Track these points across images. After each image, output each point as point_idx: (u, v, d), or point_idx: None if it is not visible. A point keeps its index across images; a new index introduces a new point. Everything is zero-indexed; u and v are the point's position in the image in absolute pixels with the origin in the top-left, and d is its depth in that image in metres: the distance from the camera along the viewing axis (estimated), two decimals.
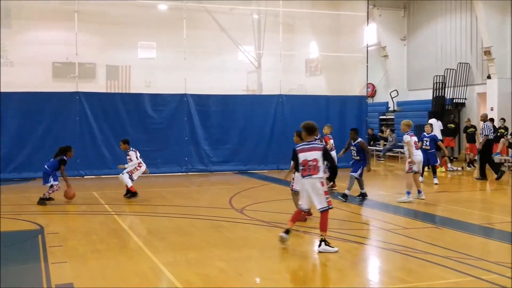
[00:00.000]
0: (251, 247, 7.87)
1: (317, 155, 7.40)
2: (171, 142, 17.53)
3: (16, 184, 14.75)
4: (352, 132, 12.26)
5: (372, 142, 24.32)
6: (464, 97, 22.55)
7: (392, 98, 25.08)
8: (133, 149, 12.38)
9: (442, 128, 18.72)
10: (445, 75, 22.45)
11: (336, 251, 7.27)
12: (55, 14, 17.10)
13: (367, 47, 20.63)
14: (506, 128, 19.15)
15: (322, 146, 7.63)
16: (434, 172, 15.45)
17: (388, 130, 23.74)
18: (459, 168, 18.88)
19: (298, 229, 8.97)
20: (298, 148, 7.59)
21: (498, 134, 18.86)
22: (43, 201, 11.32)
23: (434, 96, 22.54)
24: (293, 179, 9.21)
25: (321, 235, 7.40)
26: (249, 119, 18.45)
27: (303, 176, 7.47)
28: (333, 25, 20.54)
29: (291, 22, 20.89)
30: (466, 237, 8.43)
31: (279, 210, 10.52)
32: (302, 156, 7.47)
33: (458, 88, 22.38)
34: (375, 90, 27.97)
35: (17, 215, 10.16)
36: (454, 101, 22.53)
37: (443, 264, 6.72)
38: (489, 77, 20.76)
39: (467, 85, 22.33)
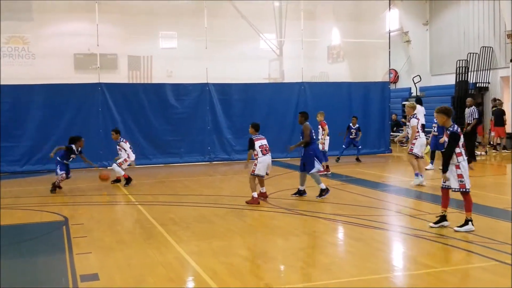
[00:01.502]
0: (275, 234, 7.94)
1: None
2: (193, 132, 17.65)
3: (41, 175, 15.05)
4: (299, 115, 11.22)
5: (395, 128, 24.16)
6: (487, 81, 22.19)
7: (415, 83, 24.79)
8: (124, 140, 12.97)
9: (425, 113, 18.55)
10: (468, 59, 22.10)
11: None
12: (76, 5, 17.24)
13: (389, 33, 20.42)
14: None
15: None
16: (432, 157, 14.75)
17: None
18: (483, 153, 18.63)
19: (320, 216, 9.02)
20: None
21: None
22: (53, 188, 11.89)
23: (457, 80, 22.23)
24: (255, 164, 10.22)
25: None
26: (271, 108, 18.45)
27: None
28: (355, 11, 20.35)
29: (312, 8, 20.75)
30: (490, 222, 8.37)
31: (302, 198, 10.57)
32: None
33: (481, 72, 22.03)
34: (398, 76, 27.68)
35: (43, 206, 10.37)
36: (477, 85, 22.18)
37: (467, 249, 6.71)
38: None
39: (490, 69, 21.96)
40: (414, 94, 25.37)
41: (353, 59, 21.26)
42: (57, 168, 11.98)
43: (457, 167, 7.60)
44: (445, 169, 7.62)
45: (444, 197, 7.87)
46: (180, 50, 19.14)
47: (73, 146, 12.13)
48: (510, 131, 20.48)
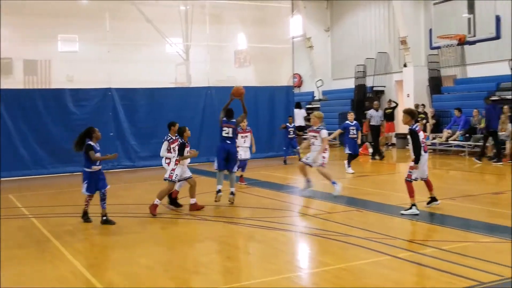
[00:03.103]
0: (179, 242, 7.89)
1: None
2: None
3: None
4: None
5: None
6: (383, 85, 23.49)
7: (317, 87, 25.73)
8: None
9: (305, 115, 19.41)
10: (366, 64, 23.27)
11: None
12: None
13: (293, 38, 21.01)
14: (425, 113, 20.12)
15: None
16: (350, 161, 14.79)
17: None
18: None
19: (225, 220, 9.09)
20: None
21: (419, 119, 19.90)
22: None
23: (356, 84, 23.34)
24: (174, 169, 9.67)
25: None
26: (178, 112, 18.23)
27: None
28: (260, 17, 20.74)
29: (218, 13, 20.89)
30: (385, 218, 8.84)
31: (207, 203, 10.57)
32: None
33: (378, 76, 23.29)
34: (302, 80, 28.55)
35: None
36: (374, 88, 23.42)
37: (363, 245, 7.03)
38: (405, 65, 21.72)
39: (386, 73, 23.29)
40: (317, 97, 26.33)
41: (259, 63, 21.63)
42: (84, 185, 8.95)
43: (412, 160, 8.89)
44: (417, 160, 8.89)
45: (426, 184, 9.18)
46: (81, 53, 18.50)
47: (91, 142, 8.94)
48: (401, 132, 21.79)
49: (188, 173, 9.99)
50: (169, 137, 10.34)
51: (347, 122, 14.94)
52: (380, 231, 7.81)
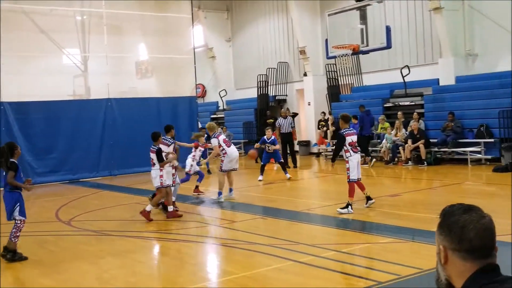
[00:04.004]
0: (80, 259, 7.55)
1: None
2: None
3: None
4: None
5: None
6: (285, 94, 24.11)
7: (221, 97, 25.86)
8: None
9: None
10: (267, 73, 23.77)
11: None
12: None
13: (194, 49, 20.98)
14: (326, 121, 20.86)
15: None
16: (284, 169, 15.09)
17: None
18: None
19: (129, 234, 8.86)
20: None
21: (319, 126, 20.79)
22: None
23: (259, 94, 23.76)
24: (161, 176, 9.80)
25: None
26: (77, 125, 17.62)
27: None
28: (161, 27, 20.49)
29: (117, 23, 20.37)
30: (288, 224, 9.03)
31: (109, 218, 10.26)
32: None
33: (280, 85, 23.87)
34: (205, 90, 28.59)
35: None
36: (276, 97, 23.97)
37: (267, 252, 7.12)
38: (305, 74, 22.43)
39: (287, 82, 23.92)
40: (221, 107, 26.45)
41: (161, 74, 21.36)
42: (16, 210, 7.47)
43: (346, 162, 9.59)
44: (333, 160, 10.31)
45: (357, 185, 9.72)
46: None
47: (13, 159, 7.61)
48: (304, 139, 22.50)
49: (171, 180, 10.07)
50: (171, 140, 10.53)
51: (264, 137, 15.21)
52: (284, 237, 7.96)
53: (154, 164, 9.75)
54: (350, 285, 5.69)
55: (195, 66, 20.47)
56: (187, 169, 12.50)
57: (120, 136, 18.12)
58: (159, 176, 9.77)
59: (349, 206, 9.32)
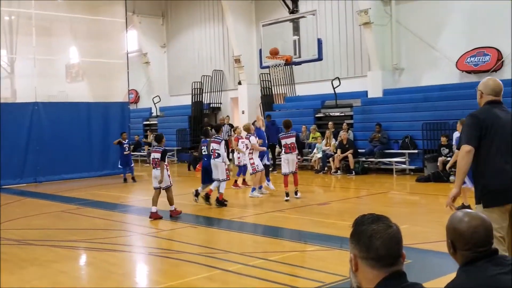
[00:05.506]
0: None
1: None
2: None
3: None
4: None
5: (137, 148, 24.35)
6: (219, 102, 24.14)
7: (154, 103, 25.53)
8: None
9: None
10: (202, 81, 23.74)
11: None
12: None
13: (128, 54, 20.64)
14: None
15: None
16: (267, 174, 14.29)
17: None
18: None
19: (52, 244, 8.56)
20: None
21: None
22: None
23: (193, 101, 23.66)
24: (169, 176, 10.27)
25: None
26: (1, 129, 16.84)
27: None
28: (94, 30, 20.01)
29: (47, 25, 19.73)
30: (218, 233, 9.03)
31: (32, 226, 9.86)
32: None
33: (214, 93, 23.88)
34: (139, 96, 28.15)
35: None
36: (211, 105, 23.96)
37: (195, 261, 7.08)
38: (240, 83, 22.58)
39: (221, 90, 23.98)
40: (154, 114, 26.12)
41: (93, 78, 20.85)
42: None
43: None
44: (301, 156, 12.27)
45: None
46: None
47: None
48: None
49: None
50: (218, 137, 11.19)
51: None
52: (213, 245, 7.95)
53: (156, 164, 10.05)
54: None
55: (128, 71, 20.13)
56: (236, 163, 14.00)
57: (47, 141, 17.49)
58: (168, 175, 10.10)
59: (286, 195, 11.42)
